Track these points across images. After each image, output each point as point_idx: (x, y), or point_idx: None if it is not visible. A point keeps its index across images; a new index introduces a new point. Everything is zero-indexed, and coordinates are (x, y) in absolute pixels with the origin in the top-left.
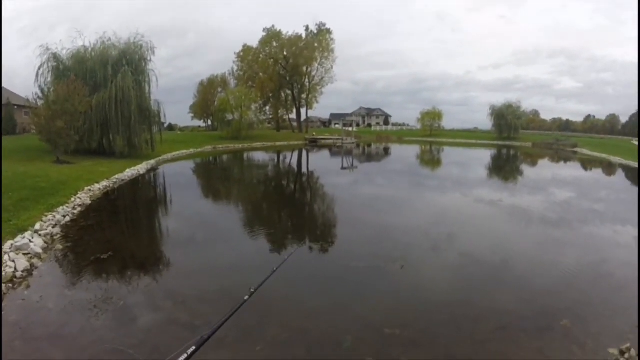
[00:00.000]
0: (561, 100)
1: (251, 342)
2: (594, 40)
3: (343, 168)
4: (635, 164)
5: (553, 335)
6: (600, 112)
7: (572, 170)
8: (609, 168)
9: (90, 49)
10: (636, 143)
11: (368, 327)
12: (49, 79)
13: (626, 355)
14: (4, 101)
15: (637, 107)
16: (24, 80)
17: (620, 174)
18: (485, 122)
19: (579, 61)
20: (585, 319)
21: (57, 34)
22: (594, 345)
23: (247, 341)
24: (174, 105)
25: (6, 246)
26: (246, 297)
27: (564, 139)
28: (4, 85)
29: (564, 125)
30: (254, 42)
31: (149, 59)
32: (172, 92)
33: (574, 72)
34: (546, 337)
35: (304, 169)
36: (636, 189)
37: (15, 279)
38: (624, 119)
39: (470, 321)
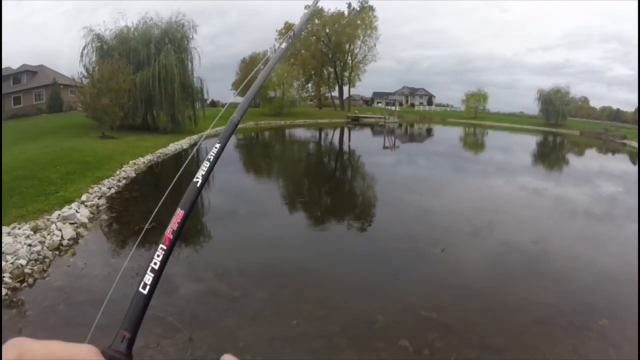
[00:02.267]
0: (612, 88)
1: (287, 316)
2: None
3: (385, 147)
4: None
5: (589, 334)
6: None
7: (620, 163)
8: None
9: (132, 29)
10: None
11: (405, 308)
12: (93, 59)
13: None
14: (49, 81)
15: None
16: (68, 60)
17: None
18: (531, 107)
19: (632, 47)
20: (624, 320)
21: (100, 15)
22: (630, 348)
23: (283, 315)
24: (217, 83)
25: (54, 216)
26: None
27: (613, 130)
28: (49, 65)
29: (613, 115)
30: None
31: (191, 37)
32: (214, 70)
33: (627, 58)
34: (582, 335)
35: (346, 148)
36: None
37: (61, 247)
38: None
39: (507, 311)
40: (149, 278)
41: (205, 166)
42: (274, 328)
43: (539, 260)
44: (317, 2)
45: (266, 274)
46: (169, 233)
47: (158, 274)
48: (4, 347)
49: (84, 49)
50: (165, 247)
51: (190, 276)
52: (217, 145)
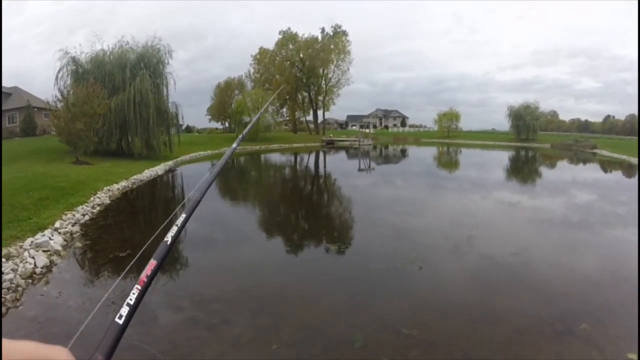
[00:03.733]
0: (580, 101)
1: (267, 341)
2: (615, 40)
3: (360, 170)
4: None
5: (572, 339)
6: (620, 112)
7: (592, 172)
8: (629, 170)
9: (108, 53)
10: None
11: (385, 327)
12: (68, 82)
13: None
14: (23, 103)
15: None
16: (44, 83)
17: None
18: (503, 123)
19: (599, 60)
20: (605, 323)
21: (76, 37)
22: (613, 349)
23: (263, 340)
24: (192, 108)
25: (26, 243)
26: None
27: (583, 140)
28: (24, 88)
29: (582, 126)
30: (270, 45)
31: (166, 62)
32: (190, 95)
33: (593, 71)
34: (565, 341)
35: (322, 171)
36: None
37: (34, 275)
38: None
39: (489, 324)
40: (125, 310)
41: (173, 230)
42: (255, 353)
43: (519, 272)
44: None
45: (244, 300)
46: (143, 277)
47: (133, 308)
48: None
49: (59, 71)
50: (139, 287)
51: (168, 304)
52: (184, 216)
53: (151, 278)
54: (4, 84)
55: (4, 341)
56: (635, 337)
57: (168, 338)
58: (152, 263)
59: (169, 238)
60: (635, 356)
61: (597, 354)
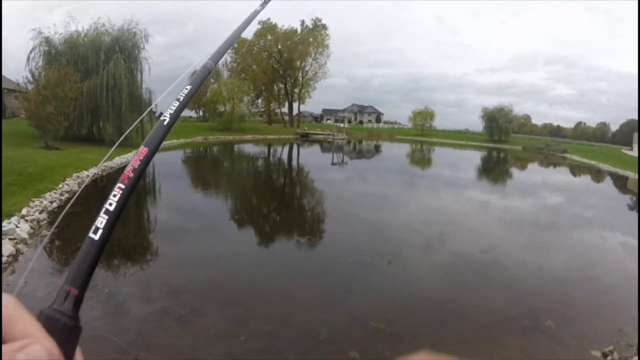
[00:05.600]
0: (554, 107)
1: (235, 333)
2: (592, 50)
3: (333, 164)
4: (622, 172)
5: (537, 335)
6: (592, 120)
7: (561, 175)
8: (597, 175)
9: (83, 35)
10: (625, 152)
11: (354, 321)
12: (40, 63)
13: (609, 358)
14: None
15: (627, 117)
16: (17, 63)
17: (608, 181)
18: (477, 124)
19: (575, 69)
20: (570, 320)
21: (54, 16)
22: (577, 346)
23: (231, 332)
24: (168, 95)
25: None
26: None
27: (554, 144)
28: None
29: (554, 131)
30: (248, 35)
31: (142, 46)
32: (166, 81)
33: (569, 79)
34: (530, 337)
35: (294, 164)
36: (623, 196)
37: None
38: (614, 127)
39: (456, 319)
40: (101, 221)
41: (174, 105)
42: (223, 345)
43: (489, 269)
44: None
45: (214, 292)
46: (128, 171)
47: (114, 216)
48: None
49: (31, 52)
50: (123, 186)
51: (135, 293)
52: (188, 87)
53: (140, 172)
54: None
55: None
56: (600, 335)
57: (136, 329)
58: (143, 151)
59: (167, 117)
60: (598, 353)
61: (560, 350)
